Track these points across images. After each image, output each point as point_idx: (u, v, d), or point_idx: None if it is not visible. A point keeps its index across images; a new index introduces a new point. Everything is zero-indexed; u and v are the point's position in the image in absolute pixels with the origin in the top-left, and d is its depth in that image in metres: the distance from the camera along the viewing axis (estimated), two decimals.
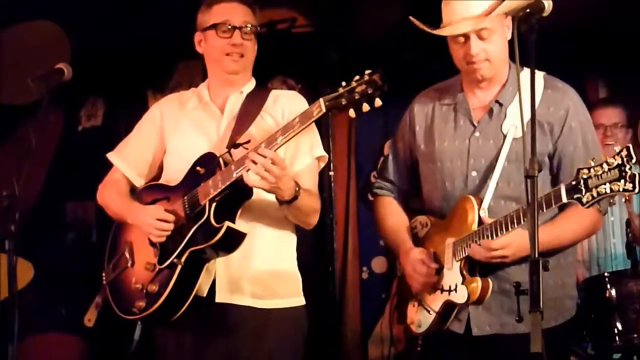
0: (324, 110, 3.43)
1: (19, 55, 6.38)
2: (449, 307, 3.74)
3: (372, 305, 6.49)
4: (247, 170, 3.50)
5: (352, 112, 3.42)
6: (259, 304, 3.73)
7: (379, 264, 6.54)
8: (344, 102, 3.41)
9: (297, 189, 3.60)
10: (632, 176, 3.05)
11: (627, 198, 4.86)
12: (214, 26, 3.81)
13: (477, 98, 3.83)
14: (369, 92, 3.38)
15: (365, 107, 3.40)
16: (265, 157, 3.46)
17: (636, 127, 5.32)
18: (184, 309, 3.65)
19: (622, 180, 3.07)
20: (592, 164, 3.17)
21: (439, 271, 3.77)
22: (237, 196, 3.64)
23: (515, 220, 3.48)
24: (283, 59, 6.48)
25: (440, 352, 3.86)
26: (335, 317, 6.54)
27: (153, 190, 3.91)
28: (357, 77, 3.42)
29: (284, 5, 6.57)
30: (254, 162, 3.47)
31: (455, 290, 3.68)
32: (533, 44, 3.13)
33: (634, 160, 3.07)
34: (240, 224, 3.64)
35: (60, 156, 6.83)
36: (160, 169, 4.01)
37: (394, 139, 4.10)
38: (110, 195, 3.98)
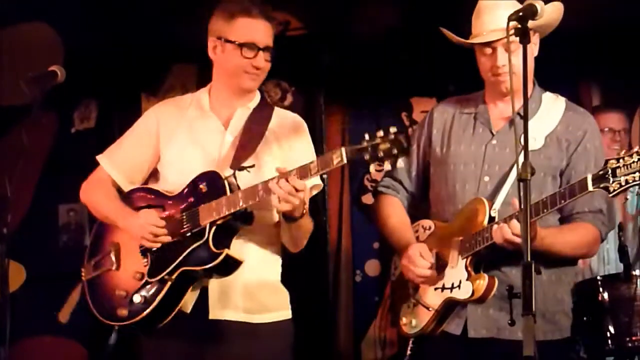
0: (345, 161, 3.38)
1: (12, 57, 6.38)
2: (449, 306, 3.75)
3: (365, 309, 6.49)
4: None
5: (372, 168, 3.40)
6: (251, 318, 3.73)
7: (372, 267, 6.53)
8: (367, 157, 3.34)
9: (305, 206, 3.59)
10: None
11: (626, 198, 4.88)
12: (239, 45, 3.71)
13: (498, 109, 3.89)
14: (394, 152, 3.31)
15: (387, 166, 3.37)
16: (295, 187, 3.44)
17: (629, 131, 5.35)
18: (164, 323, 3.64)
19: None
20: (622, 154, 3.25)
21: (440, 271, 3.78)
22: (238, 223, 3.64)
23: (533, 213, 3.45)
24: (277, 61, 6.48)
25: (432, 355, 3.86)
26: (328, 320, 6.53)
27: (146, 195, 3.85)
28: (381, 133, 3.34)
29: (278, 8, 6.55)
30: (282, 189, 3.44)
31: (459, 286, 3.69)
32: (526, 48, 3.17)
33: None
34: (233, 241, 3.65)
35: (54, 158, 6.81)
36: (150, 174, 3.95)
37: None
38: (98, 196, 3.91)
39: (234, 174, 3.65)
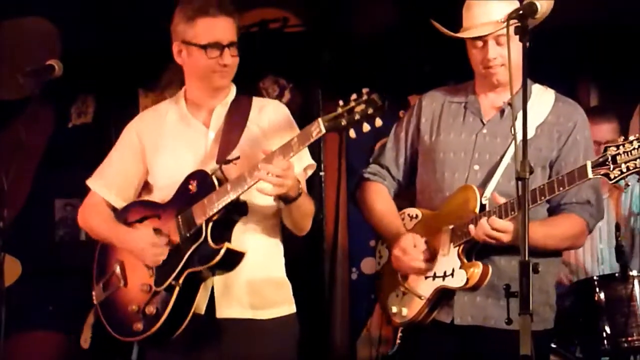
0: (323, 131, 3.40)
1: (9, 51, 6.37)
2: (441, 294, 3.74)
3: (361, 306, 6.49)
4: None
5: (352, 133, 3.39)
6: (258, 315, 3.72)
7: (368, 265, 6.53)
8: (343, 122, 3.36)
9: (300, 185, 3.59)
10: None
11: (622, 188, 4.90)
12: (202, 46, 3.68)
13: (489, 99, 3.88)
14: (369, 112, 3.33)
15: (366, 128, 3.36)
16: (281, 169, 3.44)
17: (627, 131, 5.34)
18: (182, 328, 3.63)
19: None
20: (620, 141, 3.29)
21: (430, 260, 3.77)
22: (233, 214, 3.62)
23: (530, 201, 3.43)
24: (275, 58, 6.48)
25: (421, 344, 3.86)
26: (324, 318, 6.53)
27: (140, 207, 3.84)
28: (354, 96, 3.37)
29: (276, 4, 6.57)
30: (269, 173, 3.44)
31: (452, 274, 3.68)
32: (526, 47, 3.18)
33: None
34: (233, 237, 3.63)
35: (50, 153, 6.81)
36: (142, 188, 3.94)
37: (395, 128, 4.09)
38: (95, 221, 3.91)
39: (220, 168, 3.64)
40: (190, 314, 3.63)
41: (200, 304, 3.67)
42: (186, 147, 3.79)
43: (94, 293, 3.90)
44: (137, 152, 3.87)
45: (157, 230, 3.72)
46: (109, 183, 3.90)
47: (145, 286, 3.71)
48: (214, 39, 3.67)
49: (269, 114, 3.82)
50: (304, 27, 6.56)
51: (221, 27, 3.69)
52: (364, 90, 3.36)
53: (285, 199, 3.60)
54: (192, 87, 3.84)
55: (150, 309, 3.66)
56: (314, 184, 6.26)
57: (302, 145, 3.45)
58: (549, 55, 5.64)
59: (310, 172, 3.83)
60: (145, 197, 3.89)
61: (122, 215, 3.86)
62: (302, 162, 3.76)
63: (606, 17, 5.87)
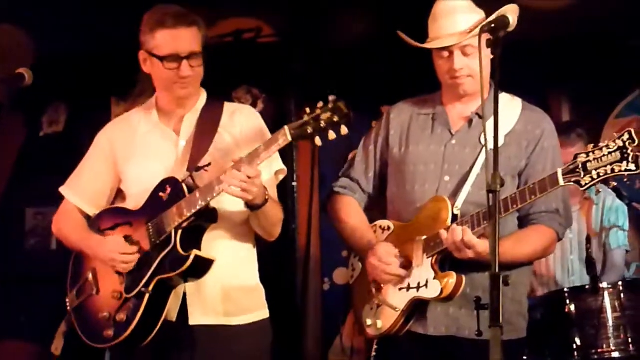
0: (289, 139, 3.41)
1: None
2: (415, 305, 3.74)
3: (333, 317, 6.48)
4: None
5: (318, 141, 3.39)
6: (231, 321, 3.72)
7: (340, 275, 6.53)
8: (309, 130, 3.38)
9: (266, 192, 3.59)
10: (636, 157, 3.20)
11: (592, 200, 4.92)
12: (160, 58, 3.67)
13: (456, 110, 3.89)
14: (335, 119, 3.34)
15: (332, 135, 3.37)
16: (247, 176, 3.44)
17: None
18: (152, 335, 3.62)
19: (625, 162, 3.23)
20: (591, 148, 3.31)
21: (405, 269, 3.76)
22: (202, 222, 3.62)
23: (502, 210, 3.48)
24: (248, 68, 6.48)
25: (397, 356, 3.86)
26: (296, 328, 6.52)
27: (112, 215, 3.84)
28: (320, 104, 3.38)
29: (250, 14, 6.56)
30: (237, 180, 3.44)
31: (427, 285, 3.68)
32: (498, 59, 3.20)
33: (636, 143, 3.22)
34: (204, 244, 3.63)
35: (21, 162, 6.77)
36: (115, 196, 3.94)
37: (364, 141, 4.09)
38: (66, 229, 3.92)
39: (190, 175, 3.64)
40: (161, 321, 3.62)
41: (171, 311, 3.66)
42: (157, 155, 3.79)
43: (67, 300, 3.91)
44: (109, 160, 3.87)
45: (128, 238, 3.71)
46: (81, 191, 3.91)
47: (116, 293, 3.70)
48: (171, 51, 3.66)
49: (240, 119, 3.82)
50: (278, 37, 6.57)
51: (179, 39, 3.67)
52: (330, 98, 3.37)
53: (251, 206, 3.61)
54: (161, 96, 3.85)
55: (121, 316, 3.66)
56: (286, 194, 6.26)
57: (268, 152, 3.46)
58: (522, 69, 5.67)
59: (281, 177, 3.84)
60: (119, 205, 3.89)
61: (95, 223, 3.87)
62: (273, 167, 3.77)
63: (578, 31, 5.92)
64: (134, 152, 3.83)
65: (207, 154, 3.69)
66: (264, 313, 3.83)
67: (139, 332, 3.63)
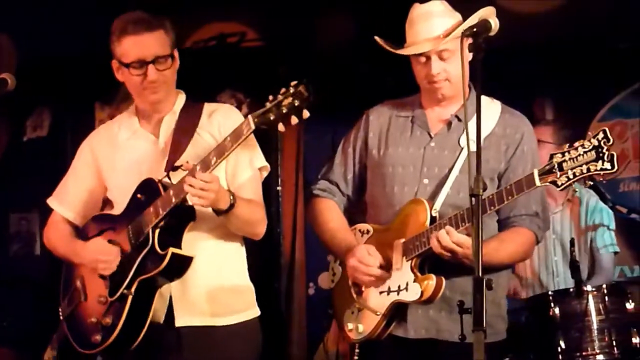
0: (253, 127, 3.42)
1: None
2: (395, 309, 3.74)
3: (318, 321, 6.46)
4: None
5: (281, 127, 3.41)
6: (218, 321, 3.71)
7: (326, 280, 6.51)
8: (272, 117, 3.39)
9: (231, 197, 3.57)
10: (611, 156, 3.21)
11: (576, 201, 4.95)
12: (126, 65, 3.68)
13: (435, 113, 3.90)
14: (296, 104, 3.36)
15: (294, 120, 3.39)
16: (203, 181, 3.44)
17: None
18: (140, 337, 3.62)
19: (600, 161, 3.24)
20: (566, 148, 3.31)
21: (385, 272, 3.76)
22: (180, 220, 3.62)
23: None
24: (232, 72, 6.47)
25: (379, 359, 3.85)
26: (281, 332, 6.51)
27: (98, 222, 3.87)
28: (283, 90, 3.41)
29: (234, 19, 6.56)
30: (192, 186, 3.45)
31: (407, 288, 3.68)
32: (480, 63, 3.23)
33: (611, 142, 3.23)
34: (188, 244, 3.62)
35: (5, 167, 6.74)
36: (104, 203, 3.95)
37: (343, 144, 4.10)
38: (54, 240, 3.96)
39: (167, 175, 3.64)
40: (147, 322, 3.62)
41: (158, 313, 3.66)
42: (138, 160, 3.80)
43: (60, 309, 3.93)
44: (93, 170, 3.90)
45: (111, 242, 3.73)
46: (67, 201, 3.95)
47: (102, 298, 3.71)
48: (135, 57, 3.67)
49: (218, 117, 3.81)
50: (262, 41, 6.57)
51: (143, 44, 3.67)
52: (292, 83, 3.40)
53: (216, 211, 3.60)
54: (137, 102, 3.86)
55: (107, 320, 3.67)
56: (270, 198, 6.25)
57: (235, 144, 3.46)
58: (506, 72, 5.69)
59: (265, 174, 3.83)
60: (106, 212, 3.91)
61: (84, 231, 3.90)
62: (255, 164, 3.77)
63: (563, 34, 5.93)
64: (116, 159, 3.85)
65: (185, 154, 3.68)
66: (252, 312, 3.82)
67: (126, 335, 3.63)
